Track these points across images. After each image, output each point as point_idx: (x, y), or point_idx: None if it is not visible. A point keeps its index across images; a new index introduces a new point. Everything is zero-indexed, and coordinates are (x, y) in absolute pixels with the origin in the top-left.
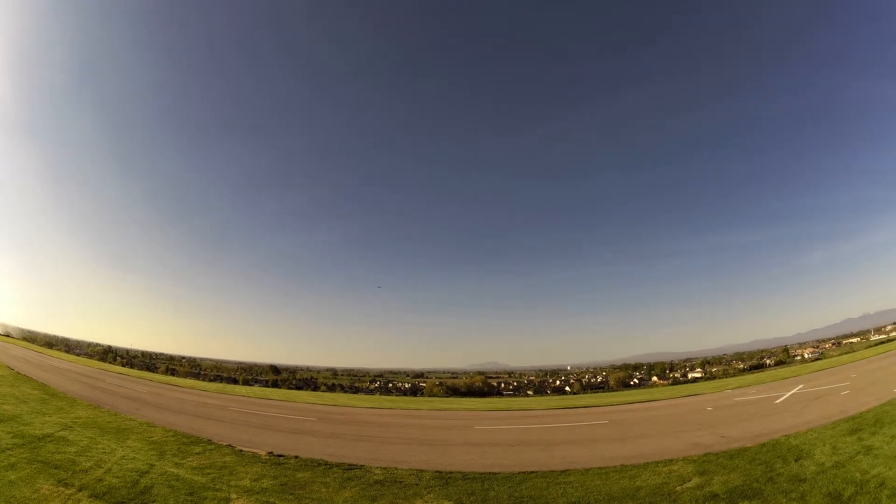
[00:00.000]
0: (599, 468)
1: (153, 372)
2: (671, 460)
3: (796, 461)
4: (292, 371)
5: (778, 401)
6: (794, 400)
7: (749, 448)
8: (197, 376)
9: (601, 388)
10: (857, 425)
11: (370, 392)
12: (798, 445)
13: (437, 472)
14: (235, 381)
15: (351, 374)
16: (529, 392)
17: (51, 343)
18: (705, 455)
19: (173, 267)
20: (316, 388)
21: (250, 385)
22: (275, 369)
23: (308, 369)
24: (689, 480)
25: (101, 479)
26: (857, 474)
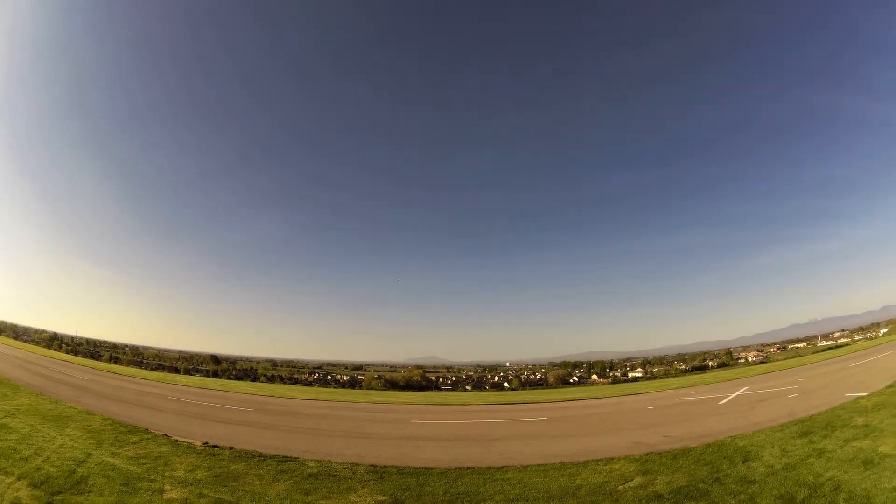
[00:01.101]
0: (538, 465)
1: (97, 360)
2: (612, 459)
3: (744, 462)
4: (233, 361)
5: (722, 402)
6: (740, 401)
7: (693, 448)
8: (140, 365)
9: (540, 384)
10: (808, 428)
11: (309, 384)
12: (745, 447)
13: (371, 465)
14: (177, 371)
15: (290, 365)
16: (468, 387)
17: (0, 329)
18: (648, 454)
19: (120, 254)
20: (255, 379)
21: (191, 375)
22: (215, 359)
23: (248, 360)
24: (632, 480)
25: (39, 468)
26: (811, 477)
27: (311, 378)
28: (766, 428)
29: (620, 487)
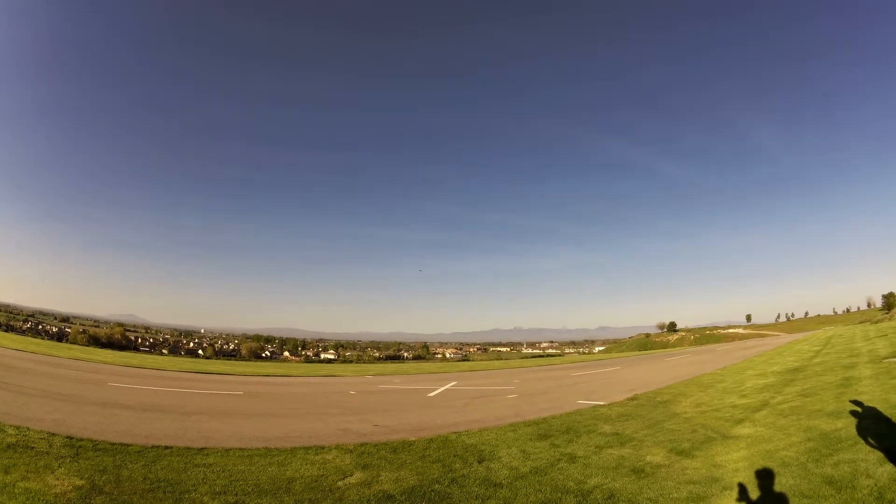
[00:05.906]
0: (241, 449)
1: None
2: (323, 447)
3: (480, 463)
4: None
5: (431, 394)
6: (451, 395)
7: (414, 442)
8: None
9: (233, 355)
10: (545, 431)
11: (22, 332)
12: (475, 445)
13: (68, 437)
14: None
15: (8, 309)
16: (164, 350)
17: None
18: (362, 445)
19: None
20: None
21: None
22: None
23: None
24: (351, 475)
25: None
26: (571, 483)
27: (24, 326)
28: (492, 427)
29: (340, 483)
